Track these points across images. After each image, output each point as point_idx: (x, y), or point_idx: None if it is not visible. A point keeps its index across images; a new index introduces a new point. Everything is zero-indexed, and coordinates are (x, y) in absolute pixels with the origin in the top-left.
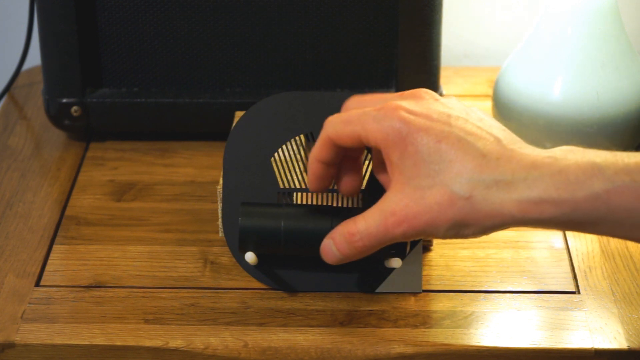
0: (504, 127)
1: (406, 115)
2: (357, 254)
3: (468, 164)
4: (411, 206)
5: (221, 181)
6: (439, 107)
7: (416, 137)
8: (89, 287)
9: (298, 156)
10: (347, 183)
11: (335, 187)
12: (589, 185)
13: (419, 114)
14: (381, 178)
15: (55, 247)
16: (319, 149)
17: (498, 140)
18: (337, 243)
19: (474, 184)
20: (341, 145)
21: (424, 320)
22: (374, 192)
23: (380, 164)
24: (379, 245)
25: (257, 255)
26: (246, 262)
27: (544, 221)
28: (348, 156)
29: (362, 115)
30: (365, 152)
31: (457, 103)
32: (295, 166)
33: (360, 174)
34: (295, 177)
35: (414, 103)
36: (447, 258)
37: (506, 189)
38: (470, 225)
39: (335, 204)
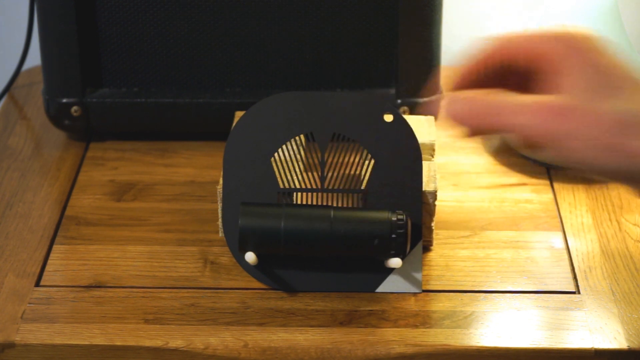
0: None
1: (579, 39)
2: (477, 117)
3: (637, 96)
4: (575, 105)
5: (221, 181)
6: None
7: (591, 56)
8: (89, 287)
9: (298, 156)
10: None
11: (332, 186)
12: None
13: (592, 37)
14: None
15: (55, 247)
16: (482, 51)
17: None
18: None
19: (637, 116)
20: (508, 56)
21: (424, 320)
22: (373, 192)
23: (543, 79)
24: (505, 119)
25: (257, 255)
26: (246, 262)
27: None
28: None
29: (535, 33)
30: (367, 152)
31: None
32: (295, 166)
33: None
34: (295, 177)
35: (586, 31)
36: (447, 258)
37: None
38: (615, 153)
39: (335, 204)
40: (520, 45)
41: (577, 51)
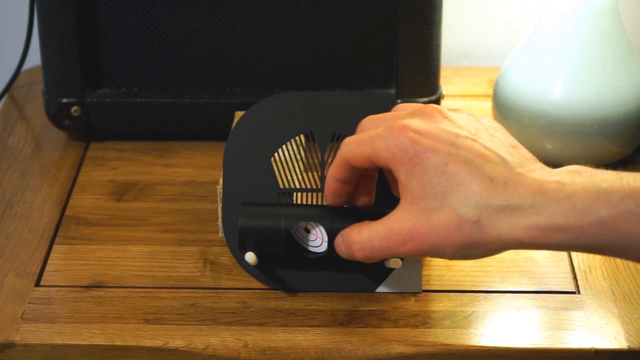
0: (514, 143)
1: (413, 135)
2: (360, 260)
3: (475, 188)
4: (418, 226)
5: (221, 181)
6: (447, 126)
7: (423, 158)
8: (89, 287)
9: (298, 156)
10: (361, 199)
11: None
12: (595, 211)
13: (426, 134)
14: (396, 193)
15: (55, 247)
16: (335, 169)
17: (506, 163)
18: (344, 245)
19: (482, 208)
20: (355, 165)
21: (424, 320)
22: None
23: (394, 181)
24: (380, 258)
25: (257, 255)
26: (246, 262)
27: (551, 246)
28: (364, 175)
29: (371, 135)
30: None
31: (466, 120)
32: (295, 166)
33: (374, 190)
34: (295, 177)
35: (422, 122)
36: None
37: (513, 215)
38: (477, 247)
39: None
40: (359, 155)
41: (404, 160)
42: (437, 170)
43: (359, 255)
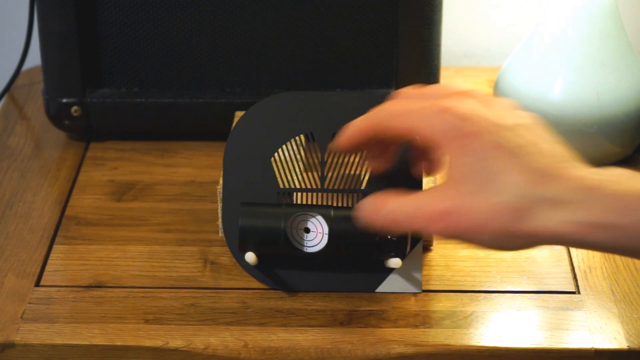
0: (557, 139)
1: (457, 120)
2: (380, 229)
3: (519, 177)
4: (457, 206)
5: (221, 181)
6: (497, 114)
7: (472, 140)
8: (89, 287)
9: (298, 156)
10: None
11: (332, 186)
12: (638, 212)
13: (477, 119)
14: (417, 173)
15: (55, 247)
16: (358, 128)
17: (550, 156)
18: (371, 207)
19: (523, 198)
20: (385, 134)
21: (424, 320)
22: (373, 192)
23: (420, 159)
24: (406, 230)
25: (257, 255)
26: (246, 262)
27: (589, 244)
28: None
29: (414, 110)
30: (364, 151)
31: (512, 111)
32: (295, 166)
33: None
34: (295, 177)
35: (474, 105)
36: (447, 258)
37: (555, 208)
38: (516, 238)
39: (335, 204)
40: (397, 125)
41: (454, 138)
42: (481, 155)
43: (383, 223)
